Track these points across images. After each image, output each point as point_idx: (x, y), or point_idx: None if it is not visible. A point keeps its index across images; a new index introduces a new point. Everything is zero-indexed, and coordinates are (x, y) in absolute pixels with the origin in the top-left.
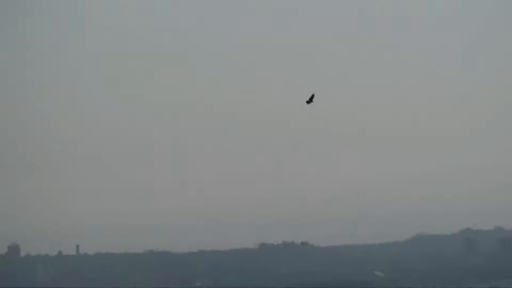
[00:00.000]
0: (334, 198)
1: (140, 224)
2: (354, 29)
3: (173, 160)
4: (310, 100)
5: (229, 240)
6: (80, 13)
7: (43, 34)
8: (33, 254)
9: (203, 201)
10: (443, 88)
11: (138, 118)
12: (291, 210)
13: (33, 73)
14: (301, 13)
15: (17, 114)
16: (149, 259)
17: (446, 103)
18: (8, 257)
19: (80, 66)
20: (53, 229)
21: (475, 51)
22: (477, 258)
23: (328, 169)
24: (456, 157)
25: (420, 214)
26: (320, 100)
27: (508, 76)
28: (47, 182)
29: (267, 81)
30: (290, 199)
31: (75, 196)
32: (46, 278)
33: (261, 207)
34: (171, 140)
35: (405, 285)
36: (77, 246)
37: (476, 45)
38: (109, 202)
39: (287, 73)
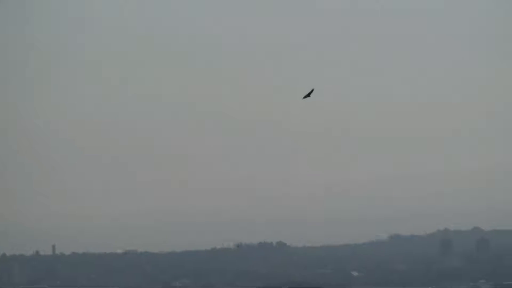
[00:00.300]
0: (312, 199)
1: (120, 224)
2: (347, 29)
3: (153, 161)
4: (307, 95)
5: (207, 240)
6: (80, 13)
7: (42, 34)
8: (9, 254)
9: (183, 201)
10: (426, 89)
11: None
12: (268, 210)
13: (33, 73)
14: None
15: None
16: (129, 259)
17: (431, 103)
18: None
19: (79, 67)
20: (30, 229)
21: (474, 50)
22: (455, 259)
23: (306, 170)
24: (438, 159)
25: (398, 215)
26: (317, 100)
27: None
28: (26, 182)
29: (266, 82)
30: (269, 200)
31: (54, 197)
32: (23, 278)
33: (241, 207)
34: (155, 141)
35: (383, 285)
36: (53, 246)
37: (475, 44)
38: (89, 202)
39: (282, 74)
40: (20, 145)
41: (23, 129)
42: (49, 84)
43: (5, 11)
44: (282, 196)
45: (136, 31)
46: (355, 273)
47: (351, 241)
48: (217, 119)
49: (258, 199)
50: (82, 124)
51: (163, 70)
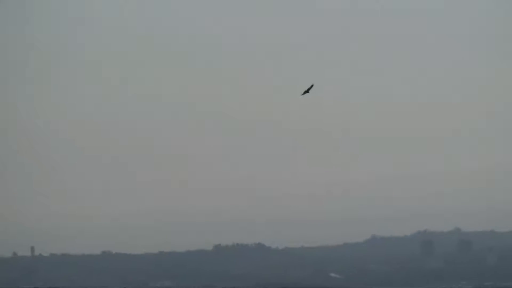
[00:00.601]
0: (290, 200)
1: (97, 226)
2: (347, 29)
3: (128, 161)
4: (307, 91)
5: (184, 241)
6: (80, 13)
7: (42, 34)
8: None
9: (159, 202)
10: (426, 89)
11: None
12: (246, 211)
13: (32, 73)
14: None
15: None
16: (106, 260)
17: (431, 103)
18: None
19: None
20: (8, 230)
21: (474, 50)
22: (436, 260)
23: (285, 171)
24: (421, 159)
25: (377, 216)
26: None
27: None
28: (26, 182)
29: (266, 82)
30: (248, 200)
31: (53, 197)
32: (1, 280)
33: (218, 208)
34: (155, 140)
35: (362, 286)
36: (32, 248)
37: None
38: (88, 202)
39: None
40: (20, 145)
41: (23, 129)
42: (49, 84)
43: (5, 11)
44: (279, 196)
45: (136, 31)
46: (334, 275)
47: (330, 243)
48: (217, 119)
49: (255, 199)
50: (82, 124)
51: (163, 70)
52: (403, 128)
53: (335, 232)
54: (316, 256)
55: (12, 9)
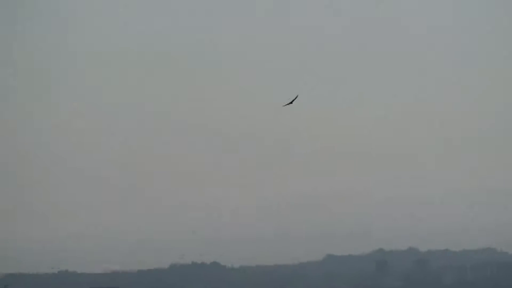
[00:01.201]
0: (247, 217)
1: (49, 245)
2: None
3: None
4: (290, 102)
5: (140, 260)
6: (80, 14)
7: (42, 34)
8: None
9: (113, 220)
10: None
11: None
12: (202, 228)
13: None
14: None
15: None
16: (59, 279)
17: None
18: None
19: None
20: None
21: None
22: (392, 279)
23: (243, 186)
24: (377, 178)
25: (331, 234)
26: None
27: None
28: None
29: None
30: (203, 218)
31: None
32: None
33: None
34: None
35: None
36: None
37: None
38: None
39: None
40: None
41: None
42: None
43: (5, 11)
44: (216, 214)
45: (135, 32)
46: None
47: (288, 261)
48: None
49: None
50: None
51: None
52: (363, 145)
53: (292, 250)
54: (273, 275)
55: (12, 9)
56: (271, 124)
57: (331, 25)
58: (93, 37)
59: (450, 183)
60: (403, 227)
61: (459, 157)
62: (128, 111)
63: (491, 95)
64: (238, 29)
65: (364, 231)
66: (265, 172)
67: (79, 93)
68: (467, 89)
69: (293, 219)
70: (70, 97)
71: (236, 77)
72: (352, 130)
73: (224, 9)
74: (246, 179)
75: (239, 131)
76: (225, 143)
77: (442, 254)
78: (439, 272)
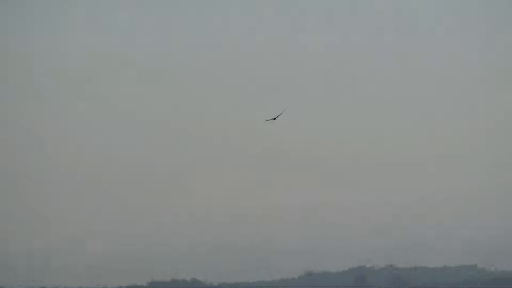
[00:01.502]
0: (224, 233)
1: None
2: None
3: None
4: (273, 118)
5: (118, 277)
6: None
7: (42, 34)
8: None
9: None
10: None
11: None
12: (181, 244)
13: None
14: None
15: None
16: None
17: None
18: None
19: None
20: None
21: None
22: None
23: (222, 197)
24: (351, 192)
25: (311, 251)
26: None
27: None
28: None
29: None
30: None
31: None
32: None
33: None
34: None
35: None
36: None
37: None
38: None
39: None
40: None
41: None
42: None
43: (5, 11)
44: (195, 229)
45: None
46: None
47: (266, 278)
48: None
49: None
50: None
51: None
52: (347, 159)
53: (270, 266)
54: None
55: (12, 9)
56: (258, 134)
57: (329, 33)
58: (93, 37)
59: (425, 199)
60: (383, 242)
61: (428, 171)
62: (129, 113)
63: (492, 96)
64: (245, 29)
65: (342, 248)
66: (247, 183)
67: (79, 94)
68: (467, 89)
69: (272, 235)
70: (70, 98)
71: (228, 87)
72: (336, 143)
73: (223, 11)
74: (226, 191)
75: (224, 140)
76: (210, 150)
77: (419, 271)
78: None
